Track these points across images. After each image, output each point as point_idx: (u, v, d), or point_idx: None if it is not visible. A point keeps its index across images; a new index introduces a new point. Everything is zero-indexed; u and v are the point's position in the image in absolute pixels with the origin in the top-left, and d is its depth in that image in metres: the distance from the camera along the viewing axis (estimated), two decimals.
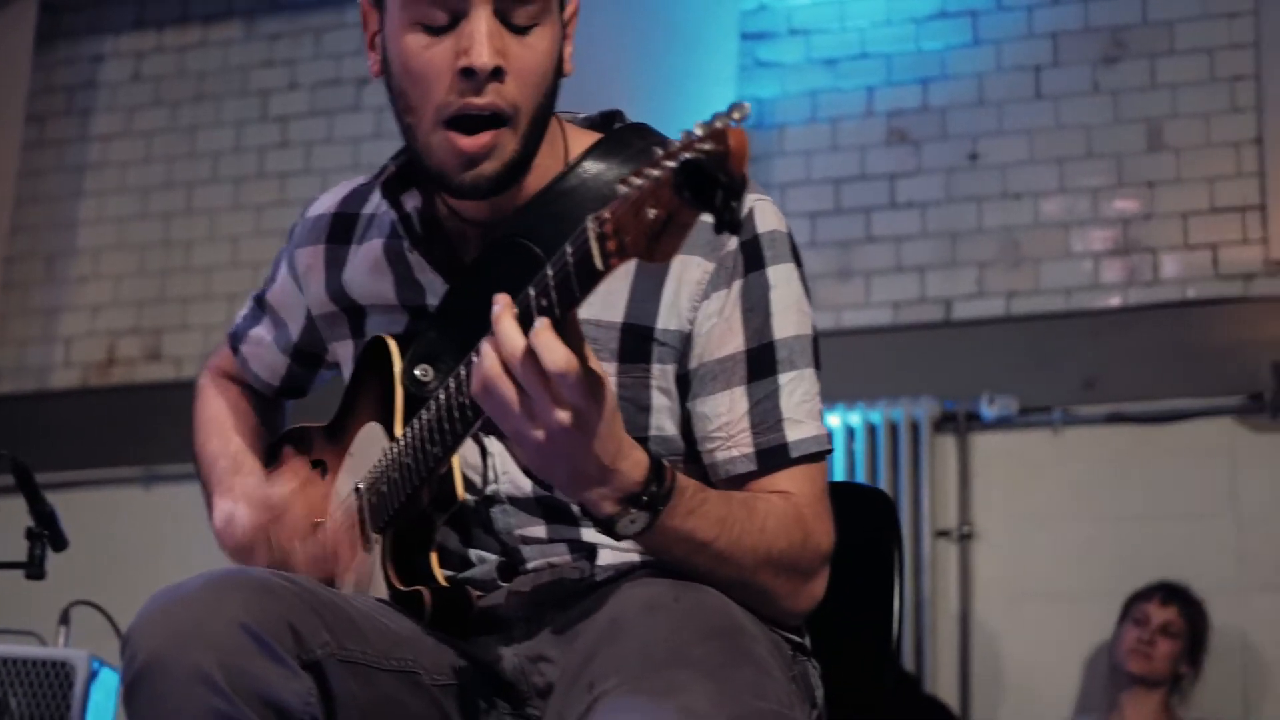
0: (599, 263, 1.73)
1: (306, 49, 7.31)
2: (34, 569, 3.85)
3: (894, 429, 6.08)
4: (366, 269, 2.35)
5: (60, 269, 7.36)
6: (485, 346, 1.85)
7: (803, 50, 6.70)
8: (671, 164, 1.62)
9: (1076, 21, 6.45)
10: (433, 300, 2.26)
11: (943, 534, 6.06)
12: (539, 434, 1.85)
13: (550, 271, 1.80)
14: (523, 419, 1.85)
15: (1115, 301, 6.20)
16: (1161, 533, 5.88)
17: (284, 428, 2.65)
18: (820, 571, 2.16)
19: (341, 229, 2.42)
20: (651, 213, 1.65)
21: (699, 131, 1.63)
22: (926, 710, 5.58)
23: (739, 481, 2.15)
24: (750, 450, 2.15)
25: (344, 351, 2.42)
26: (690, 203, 1.62)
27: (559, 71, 2.19)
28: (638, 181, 1.67)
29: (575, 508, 2.17)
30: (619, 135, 2.26)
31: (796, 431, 2.15)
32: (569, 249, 1.77)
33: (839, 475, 6.02)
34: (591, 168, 2.20)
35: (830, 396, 5.96)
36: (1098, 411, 6.07)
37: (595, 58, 6.46)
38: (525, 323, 1.82)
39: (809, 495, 2.15)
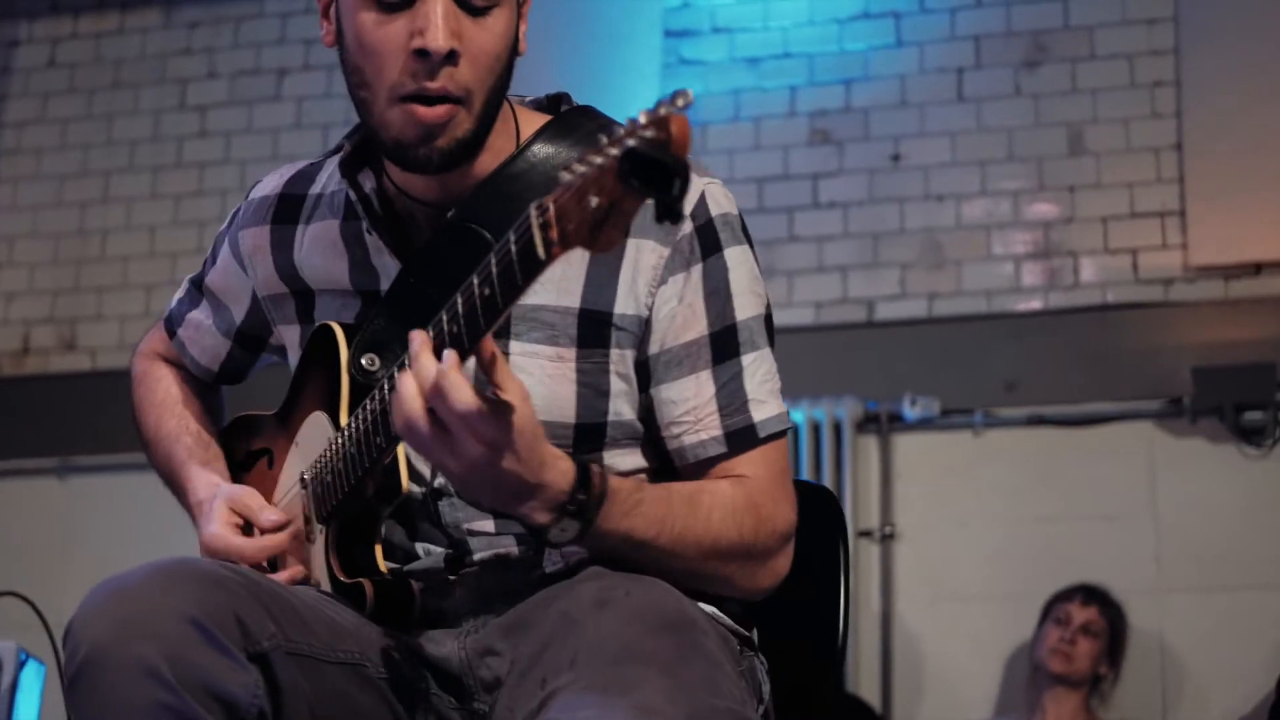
0: (541, 251, 1.72)
1: (226, 38, 7.24)
2: None
3: (817, 429, 6.09)
4: (320, 250, 2.33)
5: None
6: (402, 381, 1.87)
7: (726, 49, 6.71)
8: (615, 151, 1.62)
9: (999, 25, 6.49)
10: (386, 285, 2.24)
11: (865, 534, 6.08)
12: (459, 466, 1.88)
13: (494, 259, 1.79)
14: (443, 452, 1.87)
15: (1036, 305, 6.24)
16: (1081, 535, 5.93)
17: (222, 414, 2.63)
18: (780, 550, 2.18)
19: (287, 210, 2.39)
20: (594, 200, 1.65)
21: (642, 119, 1.63)
22: (849, 709, 5.60)
23: (708, 464, 2.17)
24: (719, 433, 2.16)
25: (290, 335, 2.40)
26: (634, 190, 1.62)
27: (514, 52, 2.17)
28: (581, 169, 1.67)
29: None
30: (567, 118, 2.24)
31: (761, 411, 2.17)
32: (512, 237, 1.76)
33: None
34: (540, 150, 2.19)
35: None
36: (1018, 414, 6.11)
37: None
38: (441, 349, 1.85)
39: (769, 476, 2.17)
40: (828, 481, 6.02)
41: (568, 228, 1.68)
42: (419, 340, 1.86)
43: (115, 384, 6.82)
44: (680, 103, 1.63)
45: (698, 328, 2.16)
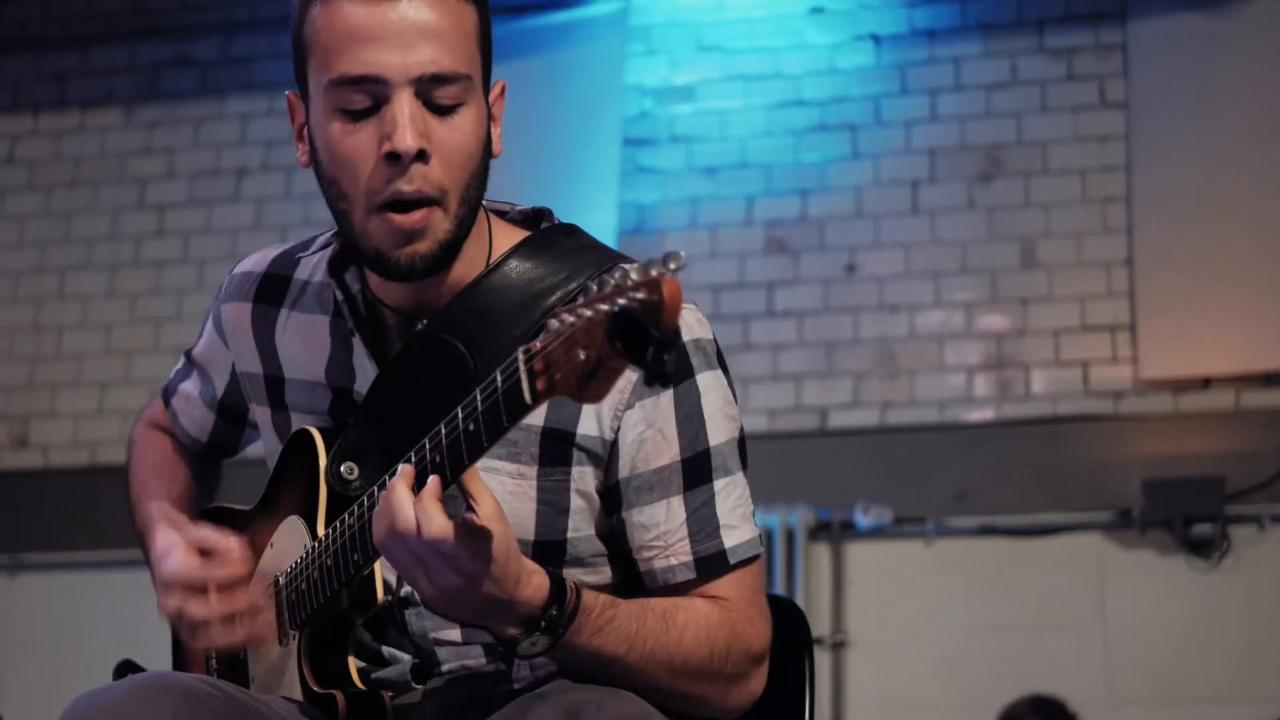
0: (528, 397, 1.73)
1: (186, 138, 7.27)
2: None
3: (769, 536, 6.10)
4: (302, 339, 2.33)
5: None
6: (380, 506, 1.91)
7: (684, 157, 6.78)
8: (605, 308, 1.61)
9: (953, 139, 6.58)
10: (360, 387, 2.25)
11: (816, 642, 6.06)
12: (433, 590, 1.91)
13: (480, 396, 1.81)
14: (417, 574, 1.90)
15: (988, 415, 6.30)
16: (1031, 644, 5.96)
17: (218, 483, 2.63)
18: (753, 671, 2.16)
19: (271, 291, 2.39)
20: (582, 354, 1.65)
21: (635, 277, 1.61)
22: None
23: (679, 589, 2.16)
24: (689, 559, 2.15)
25: (261, 415, 2.40)
26: (621, 353, 1.61)
27: (487, 152, 2.17)
28: (569, 319, 1.66)
29: None
30: (547, 235, 2.24)
31: (732, 537, 2.15)
32: (499, 378, 1.77)
33: None
34: (517, 266, 2.18)
35: None
36: (970, 523, 6.16)
37: None
38: (423, 478, 1.88)
39: (742, 599, 2.15)
40: (779, 588, 6.03)
41: (555, 377, 1.69)
42: (400, 473, 1.89)
43: (68, 481, 6.85)
44: (673, 265, 1.61)
45: (670, 453, 2.14)
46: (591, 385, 1.66)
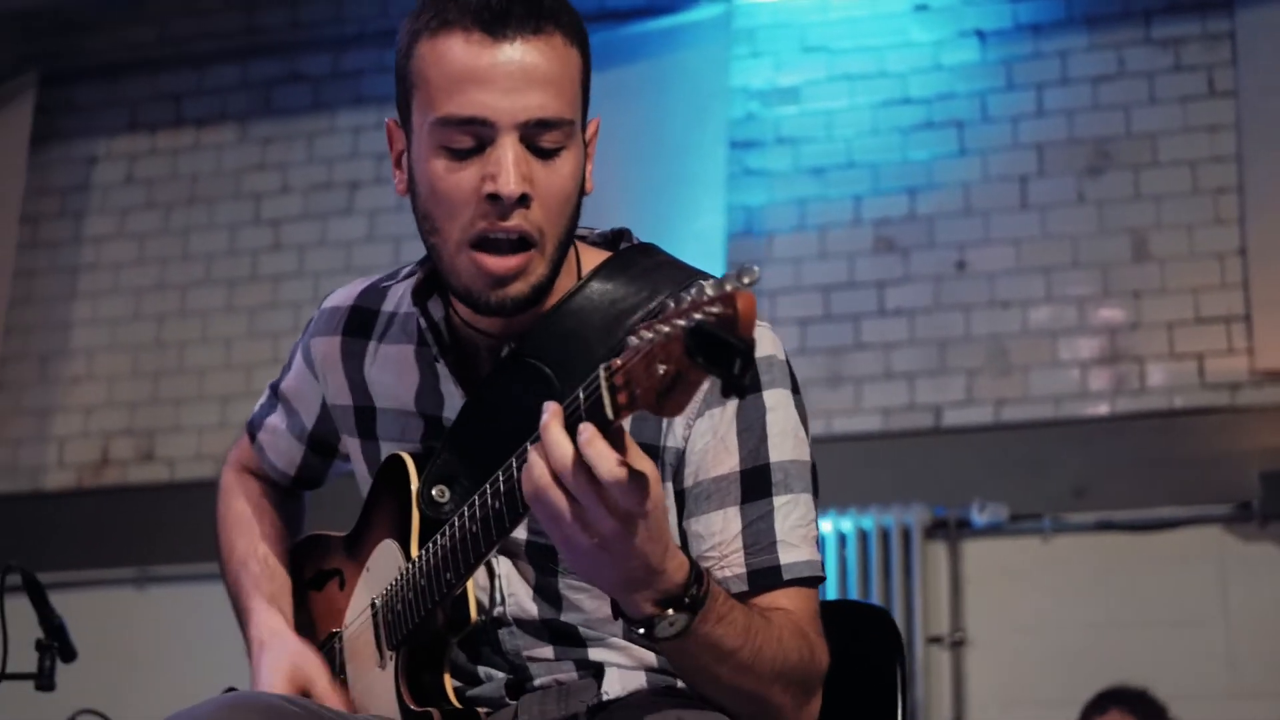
0: (610, 412, 1.76)
1: (299, 153, 7.37)
2: (44, 680, 3.88)
3: (885, 535, 6.11)
4: (391, 369, 2.36)
5: (54, 370, 7.37)
6: (534, 455, 1.85)
7: (791, 159, 6.79)
8: (682, 323, 1.65)
9: (1061, 133, 6.55)
10: (449, 413, 2.28)
11: (935, 640, 6.09)
12: (591, 540, 1.85)
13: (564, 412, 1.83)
14: (574, 526, 1.85)
15: (1103, 410, 6.27)
16: (1152, 640, 5.93)
17: (304, 519, 2.67)
18: (819, 691, 2.16)
19: (359, 323, 2.43)
20: (661, 368, 1.68)
21: (710, 292, 1.65)
22: None
23: None
24: (742, 570, 2.15)
25: (352, 446, 2.44)
26: (700, 366, 1.64)
27: (582, 192, 2.20)
28: (648, 335, 1.69)
29: (583, 629, 2.20)
30: (626, 255, 2.28)
31: (790, 555, 2.15)
32: (581, 394, 1.79)
33: (832, 581, 6.06)
34: (599, 287, 2.21)
35: (821, 503, 6.02)
36: (1087, 519, 6.13)
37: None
38: (572, 429, 1.82)
39: (806, 614, 2.15)
40: (897, 588, 6.05)
41: (636, 392, 1.72)
42: (551, 413, 1.84)
43: (193, 494, 6.96)
44: (746, 279, 1.64)
45: (729, 463, 2.15)
46: (670, 399, 1.70)
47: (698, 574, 1.95)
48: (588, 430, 1.79)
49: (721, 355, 1.63)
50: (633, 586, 1.91)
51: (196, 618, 6.38)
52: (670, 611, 1.93)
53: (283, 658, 2.35)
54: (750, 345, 1.63)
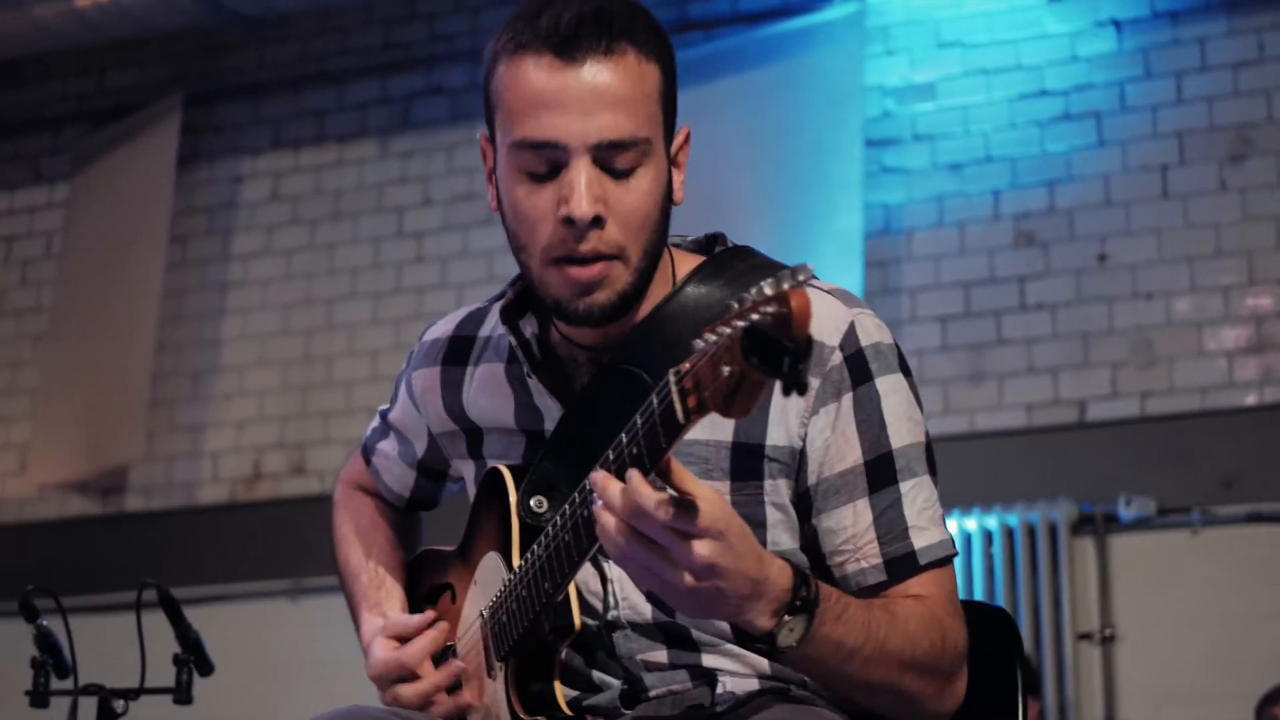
0: (680, 416, 1.77)
1: (439, 165, 7.45)
2: (181, 694, 3.97)
3: (1031, 531, 6.08)
4: (487, 392, 2.39)
5: (206, 386, 7.52)
6: (599, 515, 1.88)
7: (928, 155, 6.77)
8: (740, 324, 1.66)
9: (1201, 121, 6.47)
10: (549, 425, 2.30)
11: (1084, 637, 6.04)
12: (687, 578, 1.87)
13: (639, 420, 1.85)
14: (663, 567, 1.87)
15: (1251, 400, 6.19)
16: None
17: (419, 536, 2.71)
18: (960, 671, 2.17)
19: (457, 352, 2.46)
20: (725, 370, 1.69)
21: (767, 291, 1.66)
22: None
23: (871, 592, 2.16)
24: (879, 561, 2.16)
25: (465, 469, 2.48)
26: (756, 366, 1.66)
27: (668, 203, 2.21)
28: (711, 338, 1.71)
29: (695, 633, 2.21)
30: (720, 259, 2.29)
31: (922, 538, 2.17)
32: (654, 400, 1.82)
33: (978, 579, 6.04)
34: (694, 292, 2.23)
35: (966, 500, 6.04)
36: (1237, 511, 6.04)
37: (724, 166, 6.60)
38: (624, 474, 1.86)
39: (941, 597, 2.16)
40: (1044, 584, 6.01)
41: (704, 394, 1.73)
42: (600, 474, 1.89)
43: None
44: (801, 277, 1.66)
45: (852, 457, 2.17)
46: (736, 400, 1.71)
47: (803, 576, 1.96)
48: (633, 476, 1.84)
49: (778, 356, 1.65)
50: (744, 605, 1.92)
51: (349, 628, 6.48)
52: (787, 618, 1.94)
53: (375, 639, 2.40)
54: (807, 344, 1.64)
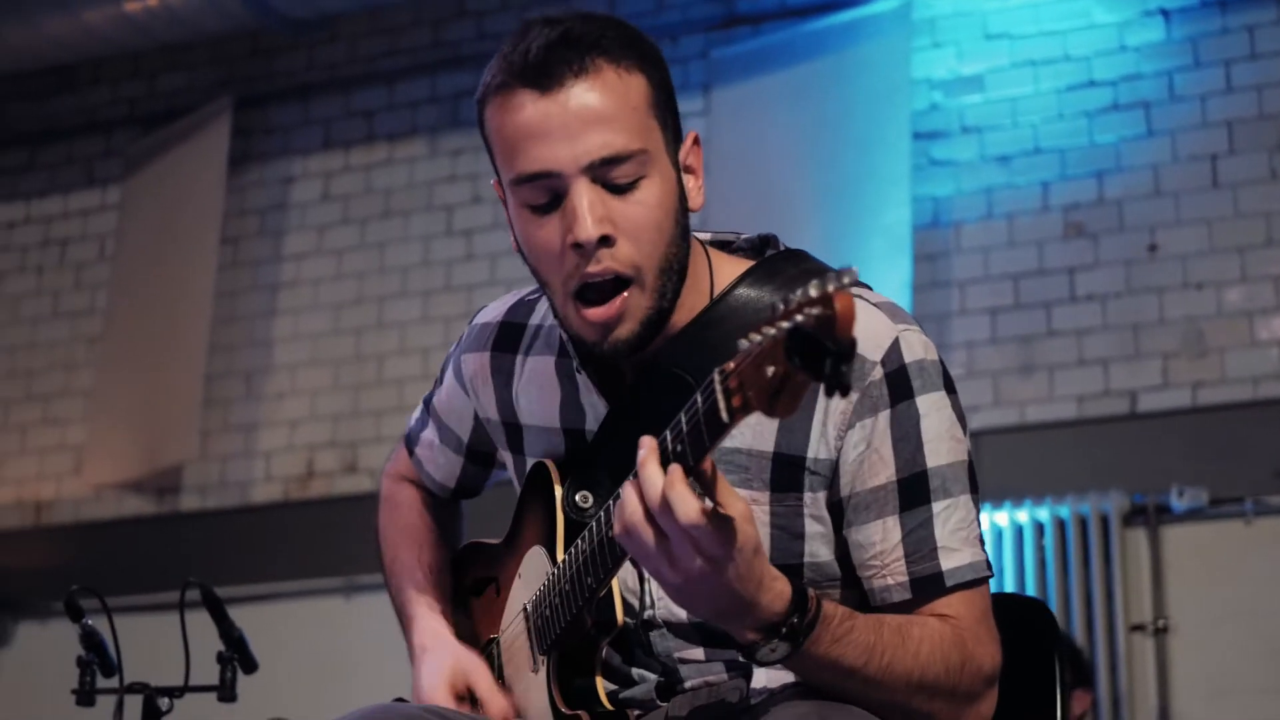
0: (724, 415, 1.78)
1: (487, 163, 7.35)
2: (225, 691, 4.00)
3: (1083, 523, 6.05)
4: (536, 384, 2.41)
5: (258, 386, 7.56)
6: (627, 490, 1.91)
7: (976, 148, 6.75)
8: (785, 325, 1.68)
9: (1251, 109, 6.43)
10: (592, 425, 2.32)
11: (1138, 628, 6.01)
12: (677, 577, 1.91)
13: (684, 418, 1.86)
14: (661, 561, 1.91)
15: None
16: None
17: (462, 527, 2.73)
18: (985, 694, 2.16)
19: (507, 338, 2.47)
20: (770, 370, 1.71)
21: (812, 293, 1.67)
22: None
23: (896, 609, 2.17)
24: (904, 579, 2.16)
25: (508, 459, 2.49)
26: (799, 368, 1.67)
27: (682, 213, 2.21)
28: (756, 338, 1.72)
29: None
30: (771, 262, 2.29)
31: (951, 560, 2.16)
32: (699, 398, 1.83)
33: (1029, 572, 6.02)
34: (743, 295, 2.23)
35: (1017, 493, 6.03)
36: None
37: (772, 161, 6.60)
38: (666, 466, 1.88)
39: (970, 619, 2.16)
40: (1096, 576, 5.99)
41: (749, 394, 1.74)
42: (647, 447, 1.91)
43: None
44: (846, 279, 1.66)
45: (885, 473, 2.16)
46: (781, 400, 1.72)
47: (800, 602, 1.98)
48: (674, 471, 1.85)
49: (821, 357, 1.66)
50: (725, 619, 1.96)
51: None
52: (771, 639, 1.98)
53: (445, 659, 2.42)
54: (851, 347, 1.65)
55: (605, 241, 2.12)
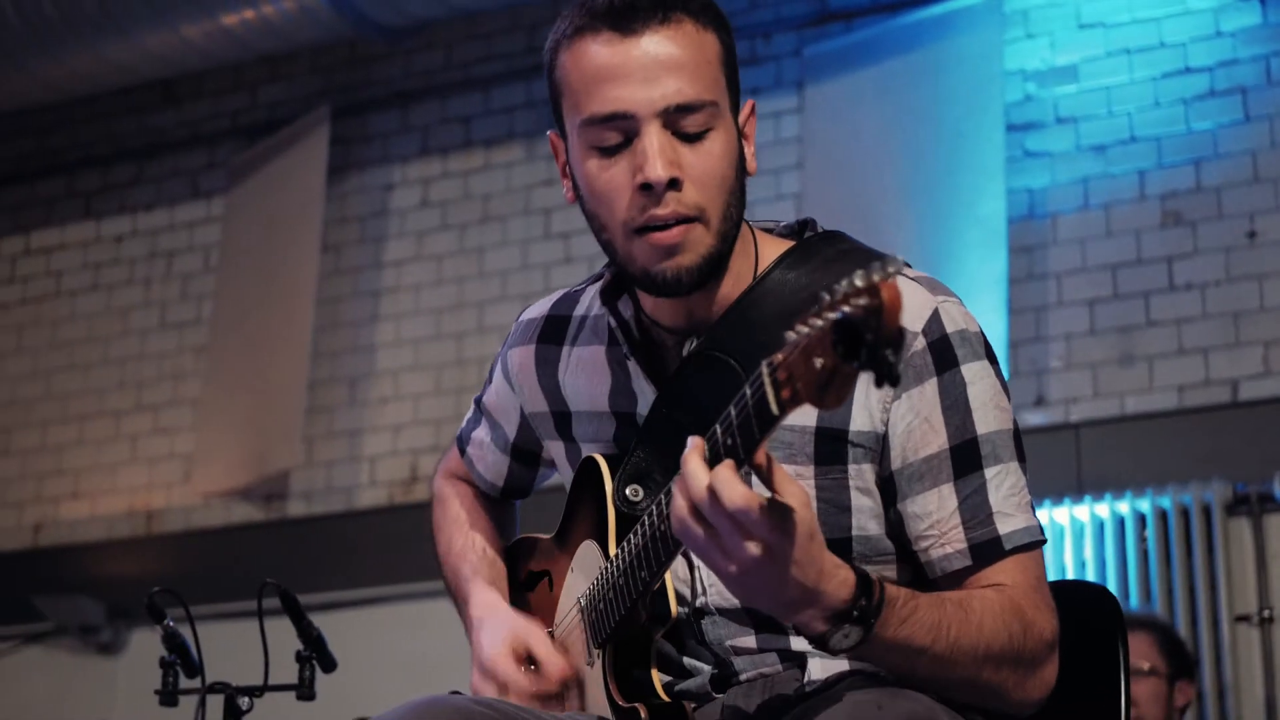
0: (774, 408, 1.81)
1: None
2: (304, 690, 4.07)
3: (1185, 514, 6.01)
4: (584, 372, 2.44)
5: (362, 392, 7.64)
6: (676, 487, 1.94)
7: (1071, 138, 6.71)
8: (832, 315, 1.69)
9: None
10: (641, 410, 2.35)
11: (1242, 619, 5.95)
12: (733, 568, 1.92)
13: (733, 410, 1.88)
14: (717, 555, 1.92)
15: None
16: None
17: (514, 525, 2.76)
18: (1048, 658, 2.18)
19: (553, 330, 2.51)
20: (818, 362, 1.72)
21: (858, 283, 1.68)
22: None
23: (956, 577, 2.19)
24: (964, 546, 2.19)
25: (555, 450, 2.53)
26: (845, 359, 1.69)
27: (742, 171, 2.26)
28: (804, 330, 1.74)
29: None
30: (809, 244, 2.33)
31: (1007, 524, 2.19)
32: (748, 391, 1.85)
33: (1131, 563, 5.99)
34: (781, 277, 2.27)
35: (1118, 484, 5.99)
36: None
37: (866, 155, 6.60)
38: (715, 460, 1.90)
39: (1025, 585, 2.18)
40: (1199, 566, 5.94)
41: (798, 386, 1.76)
42: (692, 445, 1.93)
43: None
44: (891, 269, 1.68)
45: (937, 442, 2.19)
46: (830, 391, 1.74)
47: (866, 586, 1.99)
48: (722, 464, 1.88)
49: (866, 347, 1.67)
50: (792, 609, 1.97)
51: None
52: (842, 626, 1.99)
53: (503, 626, 2.45)
54: (899, 336, 1.68)
55: (673, 185, 2.17)
